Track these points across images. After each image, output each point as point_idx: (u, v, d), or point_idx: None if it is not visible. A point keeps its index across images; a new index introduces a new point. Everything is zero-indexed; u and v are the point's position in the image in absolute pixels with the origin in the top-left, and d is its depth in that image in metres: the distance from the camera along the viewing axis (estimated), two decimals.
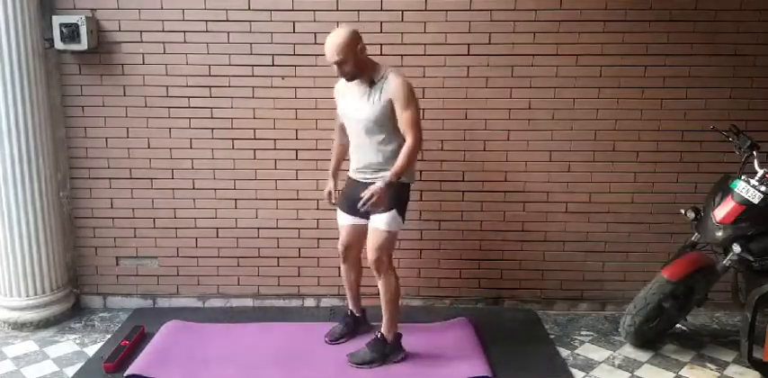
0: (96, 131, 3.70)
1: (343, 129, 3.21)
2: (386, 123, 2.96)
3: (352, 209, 3.08)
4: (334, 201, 3.35)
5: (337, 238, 3.79)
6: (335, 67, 2.90)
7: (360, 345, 3.27)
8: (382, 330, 3.21)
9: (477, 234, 3.80)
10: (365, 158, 3.06)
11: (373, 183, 2.94)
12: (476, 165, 3.73)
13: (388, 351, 3.21)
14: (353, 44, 2.87)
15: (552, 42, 3.58)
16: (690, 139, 3.69)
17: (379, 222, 3.02)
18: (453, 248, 3.82)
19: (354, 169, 3.14)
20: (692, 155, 3.71)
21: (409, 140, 2.91)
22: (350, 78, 2.96)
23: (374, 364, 3.17)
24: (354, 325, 3.47)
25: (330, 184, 3.36)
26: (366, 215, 3.06)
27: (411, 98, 2.92)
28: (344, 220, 3.26)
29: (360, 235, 3.20)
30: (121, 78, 3.65)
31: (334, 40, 2.85)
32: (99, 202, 3.79)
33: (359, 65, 2.91)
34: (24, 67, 3.36)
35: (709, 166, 3.67)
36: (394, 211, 3.00)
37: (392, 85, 2.91)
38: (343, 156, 3.33)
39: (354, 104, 3.01)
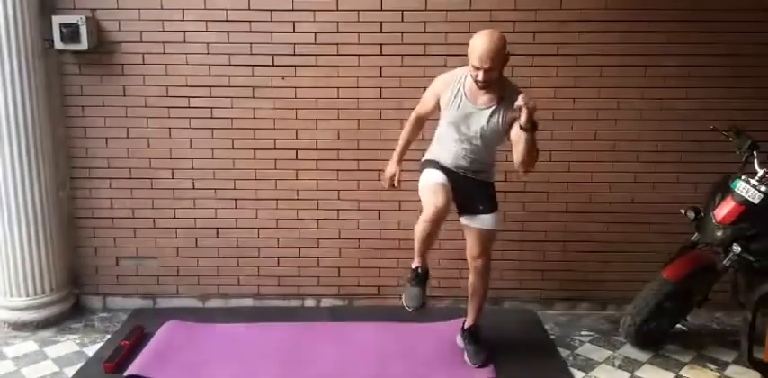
0: (96, 131, 3.70)
1: (420, 124, 3.06)
2: (499, 137, 2.89)
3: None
4: (396, 184, 3.13)
5: (336, 239, 3.81)
6: (480, 73, 2.67)
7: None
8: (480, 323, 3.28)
9: None
10: (468, 162, 2.95)
11: (471, 178, 2.96)
12: None
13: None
14: (507, 51, 2.70)
15: (552, 42, 3.59)
16: (690, 139, 3.69)
17: (492, 223, 3.03)
18: (453, 248, 3.81)
19: (451, 164, 2.97)
20: (692, 155, 3.71)
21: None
22: (486, 87, 2.75)
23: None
24: (426, 282, 3.11)
25: (394, 169, 3.12)
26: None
27: None
28: (445, 179, 2.92)
29: (450, 201, 2.92)
30: (121, 78, 3.65)
31: (494, 45, 2.64)
32: (99, 202, 3.79)
33: (500, 75, 2.76)
34: (24, 67, 3.36)
35: (710, 166, 3.66)
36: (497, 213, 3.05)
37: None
38: (410, 145, 3.14)
39: (473, 113, 2.84)
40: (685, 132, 3.69)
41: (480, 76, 2.69)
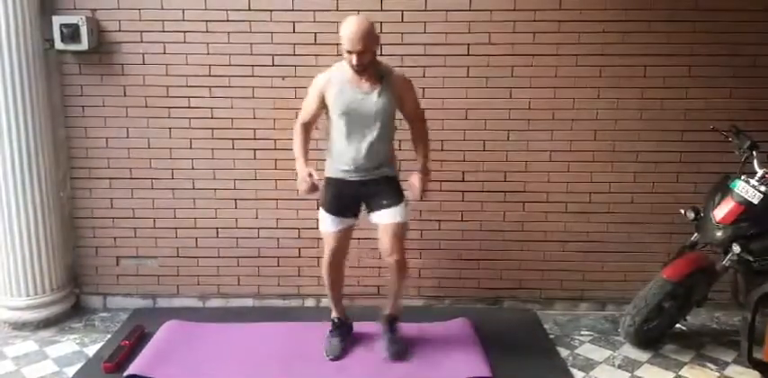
0: (96, 131, 3.71)
1: (309, 131, 3.12)
2: (392, 118, 3.03)
3: (347, 210, 3.09)
4: (317, 180, 3.00)
5: None
6: (354, 56, 2.77)
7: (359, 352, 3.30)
8: (397, 313, 3.31)
9: (478, 234, 3.80)
10: (372, 155, 2.98)
11: (374, 178, 3.01)
12: (476, 165, 3.73)
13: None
14: (375, 33, 2.83)
15: (552, 42, 3.59)
16: (690, 139, 3.69)
17: (398, 215, 3.05)
18: (453, 248, 3.82)
19: (350, 169, 3.01)
20: (692, 155, 3.71)
21: (424, 126, 3.15)
22: (363, 70, 2.85)
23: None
24: (348, 332, 3.42)
25: (307, 169, 3.00)
26: (355, 216, 3.12)
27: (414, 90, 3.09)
28: (340, 225, 3.10)
29: (349, 238, 3.21)
30: (121, 78, 3.65)
31: (362, 28, 2.74)
32: (99, 202, 3.79)
33: (374, 56, 2.86)
34: (24, 67, 3.36)
35: (709, 166, 3.66)
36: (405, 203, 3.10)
37: (399, 80, 2.99)
38: (307, 147, 3.15)
39: (363, 99, 2.92)
40: (685, 132, 3.69)
41: (355, 59, 2.78)
